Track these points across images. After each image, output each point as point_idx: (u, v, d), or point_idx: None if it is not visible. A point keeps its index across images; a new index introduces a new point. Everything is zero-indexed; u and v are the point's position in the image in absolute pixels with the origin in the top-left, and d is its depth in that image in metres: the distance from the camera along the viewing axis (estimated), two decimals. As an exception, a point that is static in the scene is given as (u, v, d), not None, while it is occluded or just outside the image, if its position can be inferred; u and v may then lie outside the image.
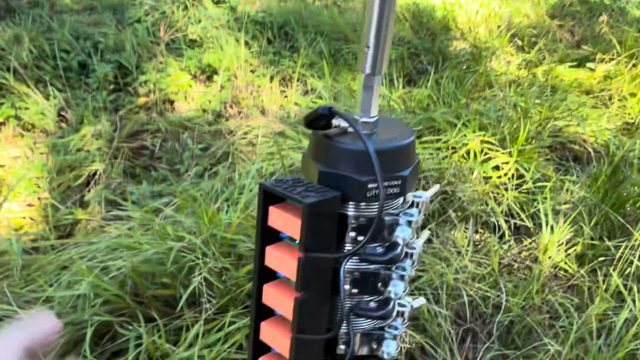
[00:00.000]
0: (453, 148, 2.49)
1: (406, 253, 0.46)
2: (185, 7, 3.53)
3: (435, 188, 0.48)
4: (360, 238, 0.43)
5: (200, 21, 3.36)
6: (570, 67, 3.59)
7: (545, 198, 2.23)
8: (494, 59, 3.59)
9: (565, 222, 2.07)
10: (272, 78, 3.06)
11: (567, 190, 2.34)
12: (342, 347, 0.46)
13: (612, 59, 3.69)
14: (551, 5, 4.86)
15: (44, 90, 2.76)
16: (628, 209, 2.23)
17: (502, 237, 2.16)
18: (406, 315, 0.48)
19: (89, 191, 2.33)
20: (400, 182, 0.42)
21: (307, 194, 0.40)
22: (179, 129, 2.74)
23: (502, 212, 2.21)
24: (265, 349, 0.47)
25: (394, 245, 0.42)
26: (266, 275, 0.44)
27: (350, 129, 0.43)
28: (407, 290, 0.46)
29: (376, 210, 0.43)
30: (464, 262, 1.93)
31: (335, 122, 0.43)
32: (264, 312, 0.46)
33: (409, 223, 0.44)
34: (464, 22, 4.21)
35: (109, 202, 2.25)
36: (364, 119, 0.43)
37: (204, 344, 1.43)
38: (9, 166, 2.41)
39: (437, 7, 4.26)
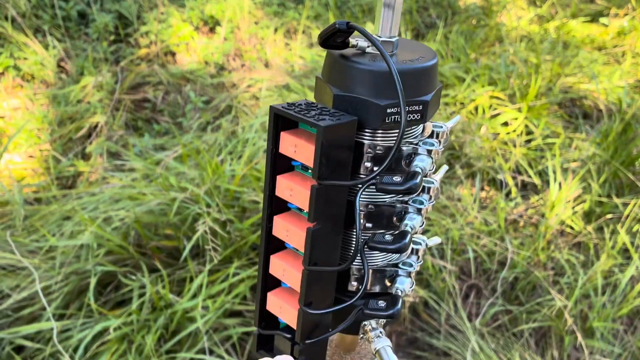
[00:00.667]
0: (461, 103, 2.44)
1: (423, 187, 0.43)
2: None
3: (456, 119, 0.45)
4: (376, 169, 0.40)
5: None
6: (583, 22, 3.49)
7: (554, 155, 2.20)
8: (505, 13, 3.49)
9: (573, 179, 2.04)
10: (276, 30, 2.99)
11: (575, 147, 2.30)
12: (354, 283, 0.44)
13: (627, 14, 3.59)
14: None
15: (42, 40, 2.70)
16: (638, 166, 2.20)
17: (508, 194, 2.13)
18: (420, 253, 0.45)
19: (90, 143, 2.30)
20: (421, 107, 0.39)
21: (322, 117, 0.37)
22: (181, 82, 2.69)
23: (509, 168, 2.18)
24: (276, 284, 0.44)
25: (414, 174, 0.39)
26: (276, 205, 0.42)
27: (369, 49, 0.40)
28: (423, 226, 0.44)
29: (394, 139, 0.40)
30: (469, 218, 1.91)
31: (352, 41, 0.40)
32: (273, 247, 0.43)
33: (429, 152, 0.41)
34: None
35: (110, 154, 2.22)
36: (383, 37, 0.40)
37: (207, 295, 1.42)
38: (9, 117, 2.37)
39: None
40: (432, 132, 0.42)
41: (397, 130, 0.40)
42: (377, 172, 0.37)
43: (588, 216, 2.03)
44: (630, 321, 1.73)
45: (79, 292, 1.49)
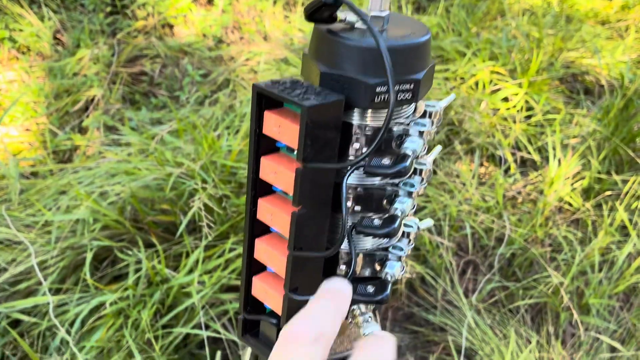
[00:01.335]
0: (462, 78, 2.42)
1: (415, 169, 0.41)
2: None
3: (451, 97, 0.43)
4: (364, 151, 0.39)
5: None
6: (587, -4, 3.43)
7: (554, 131, 2.18)
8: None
9: (573, 155, 2.03)
10: (275, 2, 2.94)
11: (576, 123, 2.28)
12: (343, 267, 0.43)
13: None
14: None
15: (38, 11, 2.66)
16: (638, 143, 2.18)
17: (507, 170, 2.12)
18: (412, 236, 0.44)
19: (87, 117, 2.28)
20: (412, 86, 0.37)
21: (307, 96, 0.35)
22: (179, 55, 2.65)
23: (509, 145, 2.17)
24: (260, 268, 0.43)
25: (403, 157, 0.37)
26: (261, 188, 0.41)
27: (358, 24, 0.38)
28: (414, 209, 0.42)
29: (384, 120, 0.38)
30: (467, 194, 1.91)
31: (341, 15, 0.38)
32: (258, 230, 0.42)
33: (420, 134, 0.39)
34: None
35: (107, 128, 2.20)
36: (373, 12, 0.38)
37: (204, 270, 1.42)
38: (4, 90, 2.35)
39: None
40: (425, 111, 0.41)
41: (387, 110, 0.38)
42: (364, 155, 0.36)
43: (587, 193, 2.03)
44: (626, 298, 1.74)
45: (75, 266, 1.49)
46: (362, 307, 0.44)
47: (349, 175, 0.37)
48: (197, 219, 1.53)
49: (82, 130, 2.23)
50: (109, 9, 2.79)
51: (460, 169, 2.03)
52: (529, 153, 2.16)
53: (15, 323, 1.38)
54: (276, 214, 0.39)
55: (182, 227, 1.49)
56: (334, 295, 0.35)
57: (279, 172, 0.38)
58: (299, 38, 2.76)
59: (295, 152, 0.36)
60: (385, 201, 0.41)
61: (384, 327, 1.64)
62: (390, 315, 1.68)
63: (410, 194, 0.41)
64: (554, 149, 2.07)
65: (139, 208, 1.55)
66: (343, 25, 0.39)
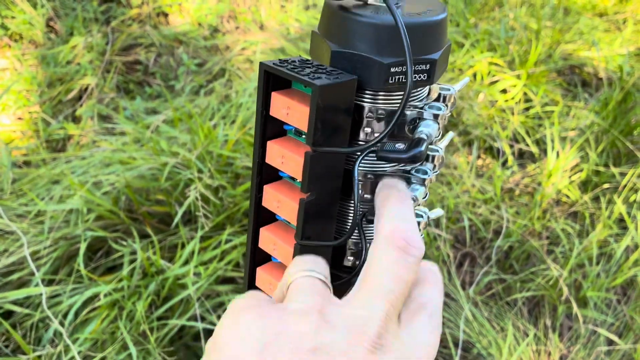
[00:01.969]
0: (460, 69, 2.40)
1: (427, 155, 0.39)
2: None
3: (465, 80, 0.41)
4: (377, 135, 0.37)
5: None
6: (585, -12, 3.42)
7: (552, 123, 2.16)
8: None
9: (571, 148, 2.02)
10: (271, -8, 2.91)
11: (574, 116, 2.27)
12: (351, 258, 0.41)
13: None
14: None
15: (31, -2, 2.62)
16: (636, 135, 2.17)
17: (505, 162, 2.11)
18: (422, 226, 0.42)
19: (80, 106, 2.24)
20: (428, 67, 0.35)
21: (318, 76, 0.33)
22: (174, 44, 2.62)
23: (507, 137, 2.15)
24: (265, 258, 0.42)
25: (418, 141, 0.35)
26: (267, 173, 0.39)
27: (372, 0, 0.36)
28: (427, 198, 0.41)
29: (398, 102, 0.36)
30: (465, 186, 1.89)
31: None
32: (263, 218, 0.40)
33: (435, 117, 0.37)
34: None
35: (101, 117, 2.17)
36: None
37: (199, 261, 1.40)
38: (-4, 78, 2.31)
39: None
40: (439, 95, 0.39)
41: (402, 93, 0.36)
42: (378, 138, 0.34)
43: (585, 185, 2.02)
44: (624, 291, 1.73)
45: (68, 257, 1.47)
46: None
47: (360, 160, 0.35)
48: (193, 210, 1.51)
49: (76, 120, 2.19)
50: (102, -4, 2.75)
51: (458, 160, 2.02)
52: (527, 145, 2.15)
53: (8, 314, 1.36)
54: (283, 202, 0.37)
55: (177, 218, 1.47)
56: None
57: (286, 157, 0.36)
58: (296, 28, 2.73)
59: (304, 136, 0.34)
60: None
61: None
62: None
63: (423, 181, 0.39)
64: (552, 141, 2.06)
65: (134, 198, 1.52)
66: (355, 1, 0.37)
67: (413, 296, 0.33)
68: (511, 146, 2.16)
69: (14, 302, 1.35)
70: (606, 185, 1.98)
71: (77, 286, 1.36)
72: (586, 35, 2.76)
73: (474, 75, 2.38)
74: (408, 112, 0.37)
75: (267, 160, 0.37)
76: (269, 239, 0.39)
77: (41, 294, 1.32)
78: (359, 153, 0.35)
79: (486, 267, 1.73)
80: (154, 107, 2.20)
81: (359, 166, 0.36)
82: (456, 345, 1.51)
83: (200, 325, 1.31)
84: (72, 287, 1.36)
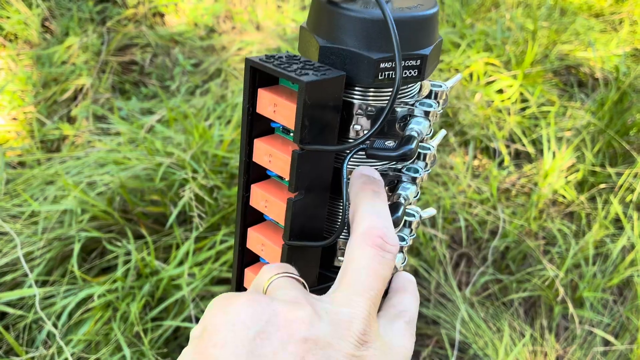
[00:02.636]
0: (456, 69, 2.39)
1: (419, 153, 0.39)
2: None
3: (457, 77, 0.41)
4: (366, 132, 0.36)
5: None
6: (581, -12, 3.42)
7: (549, 123, 2.16)
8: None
9: (567, 148, 2.02)
10: (268, -8, 2.90)
11: (570, 116, 2.27)
12: (341, 258, 0.41)
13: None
14: None
15: (26, -2, 2.61)
16: (632, 135, 2.17)
17: (501, 162, 2.10)
18: (414, 225, 0.42)
19: (76, 106, 2.23)
20: (419, 62, 0.35)
21: (305, 72, 0.32)
22: (170, 44, 2.61)
23: (503, 137, 2.15)
24: (253, 259, 0.41)
25: (409, 139, 0.35)
26: (254, 172, 0.38)
27: None
28: (418, 196, 0.40)
29: (388, 99, 0.36)
30: (462, 187, 1.89)
31: None
32: (251, 218, 0.40)
33: (426, 114, 0.37)
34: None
35: (96, 117, 2.16)
36: None
37: (194, 262, 1.39)
38: (-9, 78, 2.30)
39: None
40: (430, 91, 0.38)
41: (391, 89, 0.35)
42: (367, 136, 0.33)
43: (581, 185, 2.01)
44: (620, 291, 1.73)
45: (62, 258, 1.46)
46: None
47: (349, 158, 0.35)
48: (188, 210, 1.50)
49: (71, 120, 2.18)
50: (98, -4, 2.74)
51: (455, 161, 2.01)
52: (524, 145, 2.15)
53: (1, 316, 1.35)
54: (270, 201, 0.37)
55: (172, 218, 1.46)
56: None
57: (273, 155, 0.35)
58: (292, 28, 2.72)
59: (292, 134, 0.34)
60: (387, 187, 0.39)
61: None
62: (383, 308, 1.66)
63: (414, 180, 0.38)
64: (548, 141, 2.06)
65: (128, 199, 1.52)
66: None
67: (393, 303, 0.36)
68: (507, 146, 2.15)
69: (7, 304, 1.34)
70: (602, 186, 1.98)
71: (70, 287, 1.35)
72: (582, 35, 2.76)
73: (470, 75, 2.37)
74: (398, 109, 0.37)
75: (255, 159, 0.37)
76: (257, 240, 0.39)
77: (34, 295, 1.31)
78: (348, 151, 0.35)
79: (482, 268, 1.73)
80: (150, 108, 2.20)
81: (347, 164, 0.35)
82: (452, 346, 1.51)
83: (194, 326, 1.31)
84: (66, 288, 1.35)
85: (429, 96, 0.38)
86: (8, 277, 1.37)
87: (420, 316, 1.62)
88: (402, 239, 0.40)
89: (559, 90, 2.50)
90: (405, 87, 0.37)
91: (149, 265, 1.38)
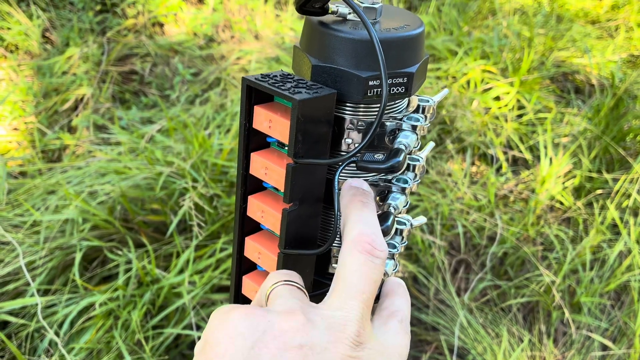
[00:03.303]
0: (453, 77, 2.42)
1: (408, 165, 0.41)
2: None
3: (444, 92, 0.43)
4: (357, 146, 0.38)
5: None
6: (577, -5, 3.44)
7: (546, 130, 2.18)
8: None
9: (564, 154, 2.03)
10: (266, 1, 2.93)
11: (567, 122, 2.29)
12: (335, 265, 0.42)
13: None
14: None
15: (27, 9, 2.63)
16: (629, 141, 2.19)
17: (499, 169, 2.12)
18: (405, 233, 0.43)
19: (76, 116, 2.25)
20: (405, 80, 0.37)
21: (299, 90, 0.34)
22: (169, 54, 2.63)
23: (500, 143, 2.17)
24: (251, 267, 0.43)
25: (397, 152, 0.36)
26: (251, 184, 0.40)
27: (350, 16, 0.37)
28: (407, 205, 0.42)
29: (377, 114, 0.38)
30: (459, 193, 1.90)
31: (332, 7, 0.37)
32: (248, 228, 0.41)
33: (414, 128, 0.39)
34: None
35: (97, 127, 2.18)
36: (366, 4, 0.37)
37: (194, 270, 1.41)
38: (-8, 89, 2.32)
39: None
40: (418, 106, 0.40)
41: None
42: (356, 150, 0.35)
43: (578, 191, 2.03)
44: (617, 296, 1.74)
45: (63, 267, 1.47)
46: None
47: (340, 171, 0.36)
48: (188, 219, 1.52)
49: (72, 130, 2.20)
50: (98, 7, 2.76)
51: (452, 167, 2.03)
52: (521, 152, 2.17)
53: (3, 325, 1.36)
54: (267, 212, 0.38)
55: (172, 227, 1.47)
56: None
57: (269, 168, 0.37)
58: (290, 37, 2.75)
59: (287, 148, 0.35)
60: (378, 198, 0.40)
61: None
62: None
63: (403, 190, 0.40)
64: (545, 147, 2.08)
65: (129, 208, 1.53)
66: (335, 17, 0.38)
67: (385, 305, 0.37)
68: (505, 153, 2.17)
69: (10, 313, 1.35)
70: (599, 191, 1.99)
71: (72, 296, 1.37)
72: (579, 42, 2.79)
73: (468, 83, 2.39)
74: (387, 123, 0.39)
75: (251, 172, 0.39)
76: (254, 248, 0.40)
77: (36, 304, 1.32)
78: (339, 164, 0.36)
79: (481, 274, 1.74)
80: (150, 117, 2.22)
81: (339, 176, 0.37)
82: (451, 351, 1.52)
83: (195, 333, 1.32)
84: (68, 296, 1.36)
85: (416, 111, 0.40)
86: (10, 287, 1.39)
87: (419, 322, 1.64)
88: (393, 246, 0.42)
89: (556, 97, 2.52)
90: (393, 102, 0.38)
91: (150, 273, 1.39)
